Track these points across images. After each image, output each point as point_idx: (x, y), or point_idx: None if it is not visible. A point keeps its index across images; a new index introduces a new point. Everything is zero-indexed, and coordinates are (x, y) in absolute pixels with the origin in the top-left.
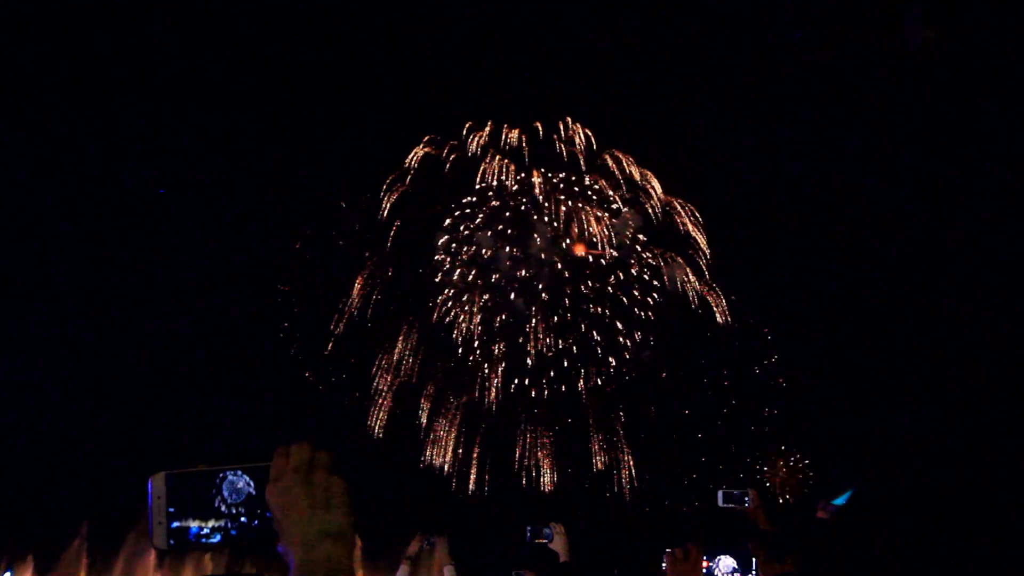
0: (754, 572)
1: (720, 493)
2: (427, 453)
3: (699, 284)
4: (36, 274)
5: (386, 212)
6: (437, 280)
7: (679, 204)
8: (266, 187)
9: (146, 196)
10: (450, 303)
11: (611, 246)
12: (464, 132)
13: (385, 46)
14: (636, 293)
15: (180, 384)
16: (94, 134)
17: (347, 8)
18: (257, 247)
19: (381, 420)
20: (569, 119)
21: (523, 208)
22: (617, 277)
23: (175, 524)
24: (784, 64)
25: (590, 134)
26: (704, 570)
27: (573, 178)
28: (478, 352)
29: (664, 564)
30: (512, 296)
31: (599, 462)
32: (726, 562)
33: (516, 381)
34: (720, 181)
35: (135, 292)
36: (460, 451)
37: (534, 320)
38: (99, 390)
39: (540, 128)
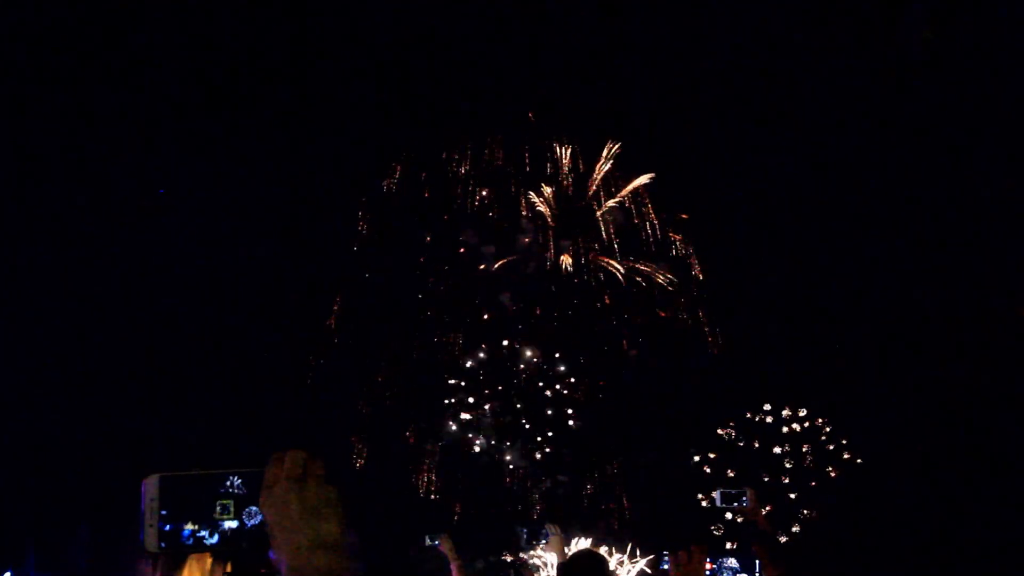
0: (758, 574)
1: (718, 493)
2: (413, 479)
3: (686, 305)
4: (34, 274)
5: (364, 232)
6: (420, 297)
7: (663, 219)
8: (260, 192)
9: (144, 197)
10: (433, 324)
11: (600, 264)
12: (444, 147)
13: (363, 59)
14: (626, 315)
15: (179, 387)
16: (86, 135)
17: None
18: (252, 253)
19: (361, 449)
20: (558, 138)
21: (508, 226)
22: (607, 296)
23: (167, 527)
24: (784, 68)
25: (577, 149)
26: (708, 572)
27: (561, 193)
28: (462, 373)
29: (667, 566)
30: (499, 314)
31: (590, 487)
32: (729, 564)
33: (503, 396)
34: (716, 196)
35: (134, 297)
36: (444, 475)
37: (519, 343)
38: (100, 391)
39: (526, 143)
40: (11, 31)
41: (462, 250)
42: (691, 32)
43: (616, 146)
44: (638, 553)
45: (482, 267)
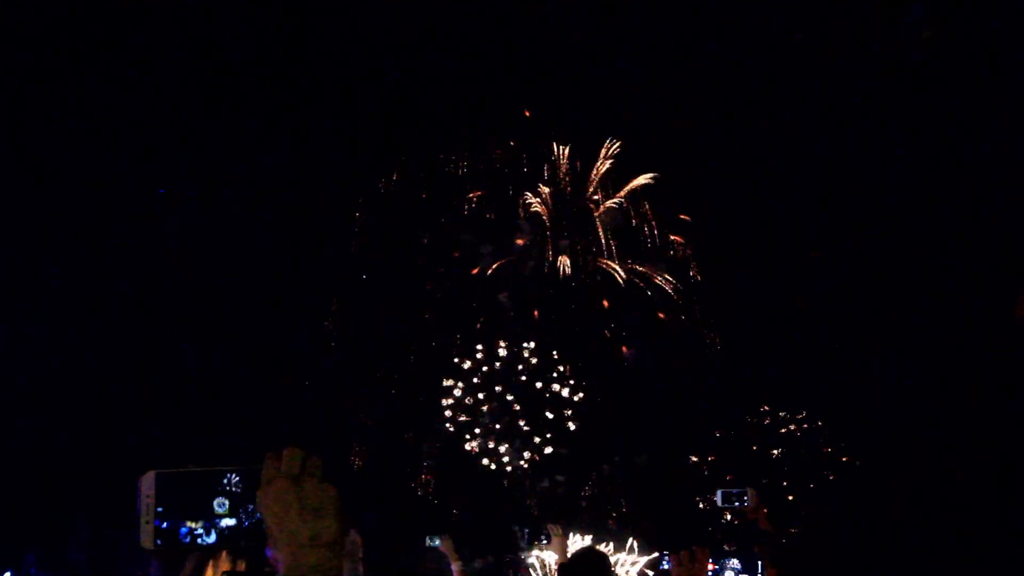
0: (760, 574)
1: (719, 493)
2: (412, 480)
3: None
4: (33, 276)
5: (362, 232)
6: (418, 298)
7: (661, 221)
8: (259, 193)
9: (143, 196)
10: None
11: (598, 266)
12: (442, 147)
13: (357, 64)
14: (623, 318)
15: (178, 388)
16: (85, 135)
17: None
18: (252, 254)
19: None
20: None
21: (506, 227)
22: (605, 299)
23: (164, 524)
24: (784, 69)
25: (574, 149)
26: (710, 573)
27: (559, 194)
28: (460, 373)
29: (668, 566)
30: (496, 315)
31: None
32: (732, 565)
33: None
34: (714, 197)
35: (132, 298)
36: (442, 476)
37: (516, 348)
38: (99, 392)
39: (524, 142)
40: (11, 31)
41: (456, 254)
42: (690, 32)
43: (614, 146)
44: (636, 550)
45: (475, 271)
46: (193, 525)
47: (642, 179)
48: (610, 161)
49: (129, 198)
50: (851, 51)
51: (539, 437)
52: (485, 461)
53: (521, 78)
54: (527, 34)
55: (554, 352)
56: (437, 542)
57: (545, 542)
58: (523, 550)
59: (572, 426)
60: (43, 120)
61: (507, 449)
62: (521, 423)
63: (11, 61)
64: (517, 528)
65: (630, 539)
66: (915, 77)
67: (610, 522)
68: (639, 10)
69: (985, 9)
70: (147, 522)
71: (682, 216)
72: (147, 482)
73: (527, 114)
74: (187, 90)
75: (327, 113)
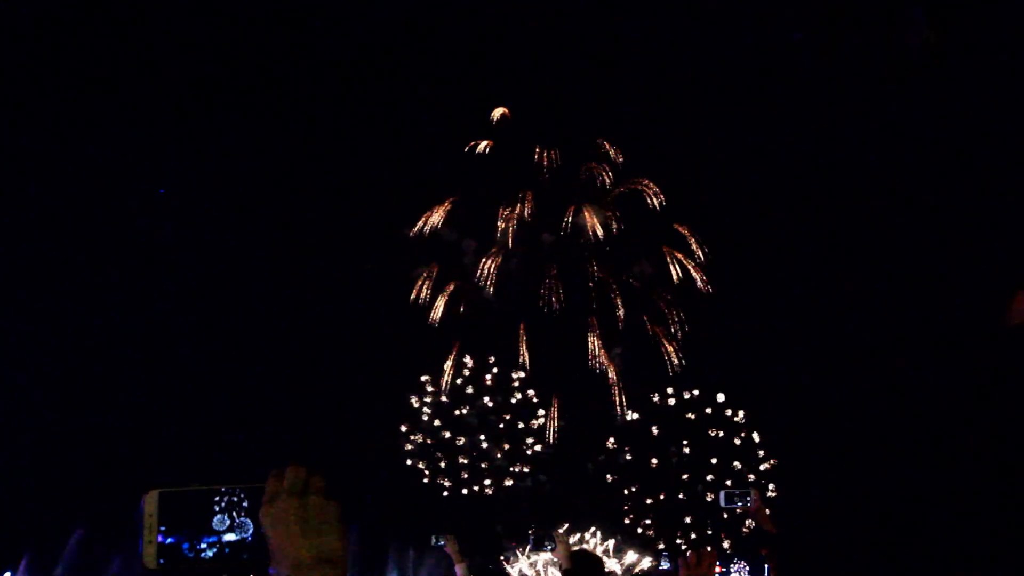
0: None
1: (722, 493)
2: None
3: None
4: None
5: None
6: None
7: (657, 228)
8: (265, 192)
9: (147, 199)
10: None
11: (591, 272)
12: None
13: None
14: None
15: (179, 398)
16: (88, 134)
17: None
18: (253, 261)
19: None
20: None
21: (494, 229)
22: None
23: (167, 542)
24: (784, 70)
25: (565, 153)
26: (717, 575)
27: (550, 197)
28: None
29: (669, 567)
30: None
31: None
32: (739, 567)
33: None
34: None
35: (134, 309)
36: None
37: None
38: (98, 397)
39: (516, 145)
40: (11, 30)
41: (435, 267)
42: (687, 32)
43: (604, 149)
44: (632, 551)
45: (457, 283)
46: (196, 542)
47: (632, 183)
48: (603, 164)
49: (137, 202)
50: (850, 51)
51: (527, 437)
52: (475, 462)
53: (505, 80)
54: (512, 34)
55: (544, 355)
56: (442, 543)
57: (551, 548)
58: (516, 554)
59: (556, 424)
60: (42, 120)
61: (497, 450)
62: (511, 426)
63: (10, 61)
64: (501, 529)
65: (618, 538)
66: (915, 78)
67: (605, 523)
68: (636, 11)
69: (986, 9)
70: (149, 541)
71: (684, 231)
72: (150, 500)
73: (508, 113)
74: (186, 93)
75: (321, 111)
